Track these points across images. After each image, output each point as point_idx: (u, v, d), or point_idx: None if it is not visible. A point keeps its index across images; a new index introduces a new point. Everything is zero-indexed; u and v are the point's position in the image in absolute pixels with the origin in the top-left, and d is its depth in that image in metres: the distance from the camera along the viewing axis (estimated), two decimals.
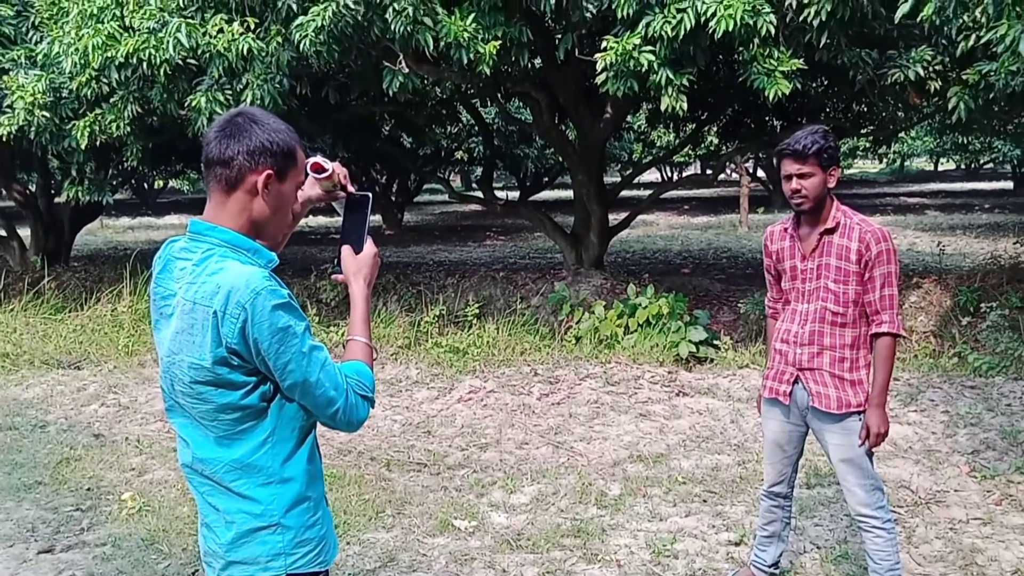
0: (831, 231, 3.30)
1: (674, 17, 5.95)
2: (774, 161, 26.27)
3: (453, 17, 6.32)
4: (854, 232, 3.26)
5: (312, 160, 2.10)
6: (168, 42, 6.70)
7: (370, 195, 2.21)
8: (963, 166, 35.78)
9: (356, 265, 2.14)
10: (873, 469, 3.38)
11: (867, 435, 3.27)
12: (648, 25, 6.04)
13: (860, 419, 3.31)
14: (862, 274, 3.25)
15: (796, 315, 3.42)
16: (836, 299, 3.29)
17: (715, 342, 7.62)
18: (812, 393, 3.37)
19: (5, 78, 8.05)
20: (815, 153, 3.22)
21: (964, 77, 6.28)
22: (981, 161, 30.18)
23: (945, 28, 6.08)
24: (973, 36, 5.49)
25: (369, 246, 2.16)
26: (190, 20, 6.77)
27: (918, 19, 5.35)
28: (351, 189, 2.20)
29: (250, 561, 1.95)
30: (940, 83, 6.53)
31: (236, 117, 1.93)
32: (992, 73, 5.92)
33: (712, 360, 7.44)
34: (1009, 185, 28.84)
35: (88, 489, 5.27)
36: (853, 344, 3.32)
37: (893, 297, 3.25)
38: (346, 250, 2.15)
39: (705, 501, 4.86)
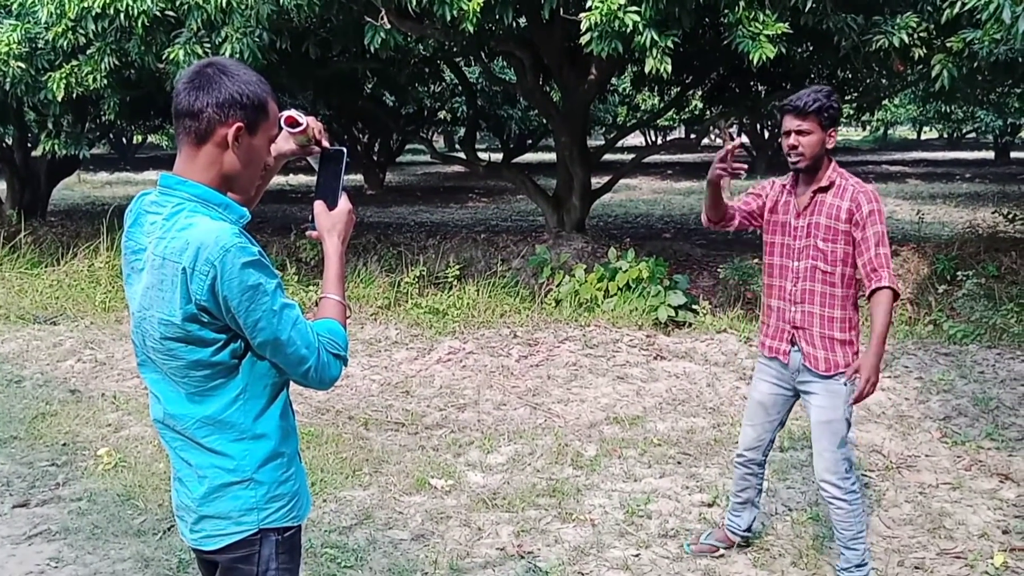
0: (825, 189, 3.32)
1: None
2: (757, 127, 26.29)
3: None
4: (847, 192, 3.28)
5: (286, 114, 2.06)
6: None
7: (344, 150, 2.17)
8: (946, 135, 35.84)
9: (330, 221, 2.10)
10: (847, 439, 3.40)
11: (853, 373, 3.25)
12: None
13: (846, 383, 3.32)
14: (851, 233, 3.26)
15: (788, 272, 3.43)
16: (825, 257, 3.30)
17: (694, 307, 7.65)
18: (805, 354, 3.39)
19: None
20: (816, 111, 3.22)
21: (948, 45, 6.27)
22: (963, 131, 30.25)
23: None
24: (958, 3, 5.48)
25: (344, 202, 2.12)
26: None
27: None
28: (325, 144, 2.16)
29: (222, 515, 1.95)
30: (924, 50, 6.52)
31: (206, 68, 1.88)
32: (976, 41, 5.91)
33: (691, 324, 7.47)
34: (990, 155, 28.98)
35: (64, 444, 5.25)
36: (843, 304, 3.33)
37: (887, 256, 3.24)
38: (319, 206, 2.11)
39: (679, 463, 4.91)
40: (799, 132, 3.26)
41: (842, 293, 3.33)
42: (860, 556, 3.44)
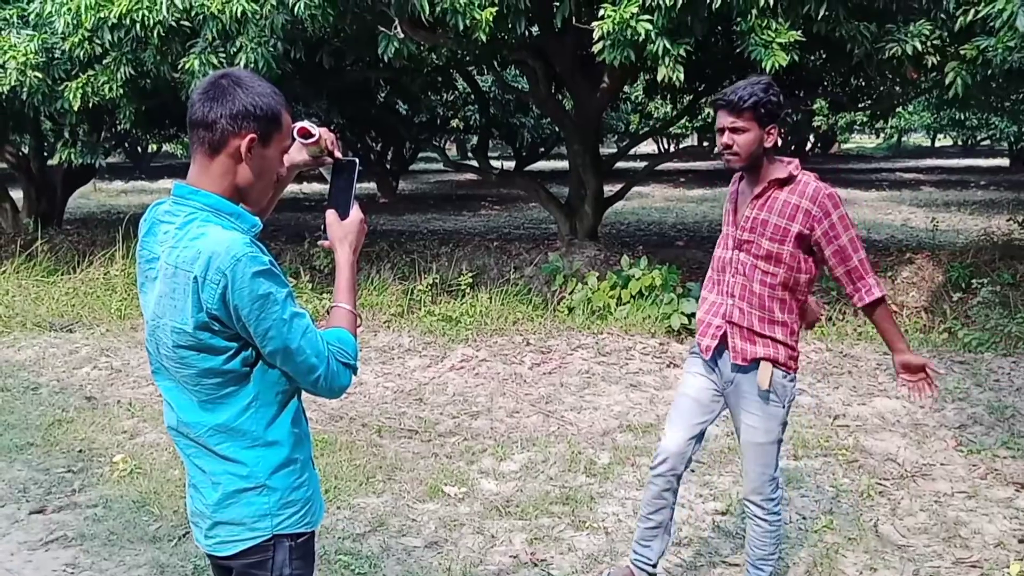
0: (782, 183, 3.02)
1: None
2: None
3: None
4: (807, 191, 2.98)
5: (299, 125, 2.08)
6: (162, 3, 6.64)
7: (357, 160, 2.19)
8: (960, 142, 35.71)
9: (342, 231, 2.12)
10: (777, 460, 3.22)
11: (910, 372, 3.09)
12: None
13: (779, 405, 3.12)
14: (803, 236, 2.97)
15: (728, 264, 3.16)
16: (768, 257, 3.03)
17: None
18: (736, 350, 3.13)
19: None
20: (751, 107, 2.92)
21: (962, 52, 6.25)
22: (978, 138, 30.11)
23: (943, 2, 6.06)
24: (971, 11, 5.47)
25: (355, 212, 2.14)
26: None
27: None
28: (338, 155, 2.18)
29: (236, 522, 1.97)
30: (938, 58, 6.50)
31: (220, 79, 1.90)
32: (990, 48, 5.89)
33: None
34: (1005, 162, 28.80)
35: (80, 451, 5.29)
36: (782, 308, 3.07)
37: (867, 260, 3.00)
38: (331, 215, 2.13)
39: (692, 471, 4.90)
40: (733, 130, 2.96)
41: (781, 296, 3.06)
42: None
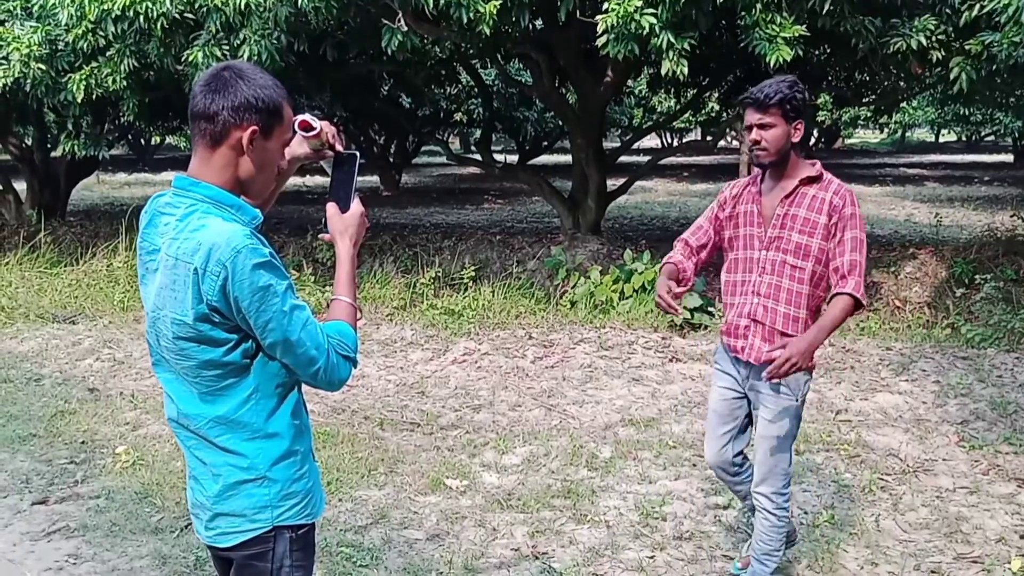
0: (812, 180, 3.13)
1: None
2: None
3: None
4: (831, 185, 3.12)
5: (300, 118, 2.07)
6: None
7: (357, 153, 2.18)
8: (964, 138, 35.59)
9: (342, 224, 2.12)
10: (790, 455, 3.28)
11: (777, 350, 2.96)
12: None
13: (791, 398, 3.19)
14: (830, 230, 3.08)
15: (755, 264, 3.21)
16: (797, 251, 3.11)
17: (710, 309, 7.64)
18: (752, 347, 3.21)
19: (0, 29, 7.97)
20: (777, 103, 3.03)
21: (967, 47, 6.23)
22: (982, 133, 30.01)
23: None
24: (977, 5, 5.45)
25: (356, 205, 2.13)
26: None
27: None
28: (339, 148, 2.18)
29: (237, 513, 1.97)
30: (942, 53, 6.48)
31: (223, 71, 1.90)
32: (995, 44, 5.88)
33: (706, 327, 7.46)
34: (1009, 158, 28.73)
35: (82, 442, 5.30)
36: (808, 304, 3.14)
37: (861, 264, 3.05)
38: (332, 208, 2.13)
39: (695, 465, 4.90)
40: (761, 126, 3.07)
41: (808, 291, 3.12)
42: (767, 572, 3.37)
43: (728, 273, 3.34)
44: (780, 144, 3.08)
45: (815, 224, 3.09)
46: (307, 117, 2.09)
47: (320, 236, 2.19)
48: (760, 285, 3.20)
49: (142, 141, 30.20)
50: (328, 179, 2.19)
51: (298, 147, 2.16)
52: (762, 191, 3.24)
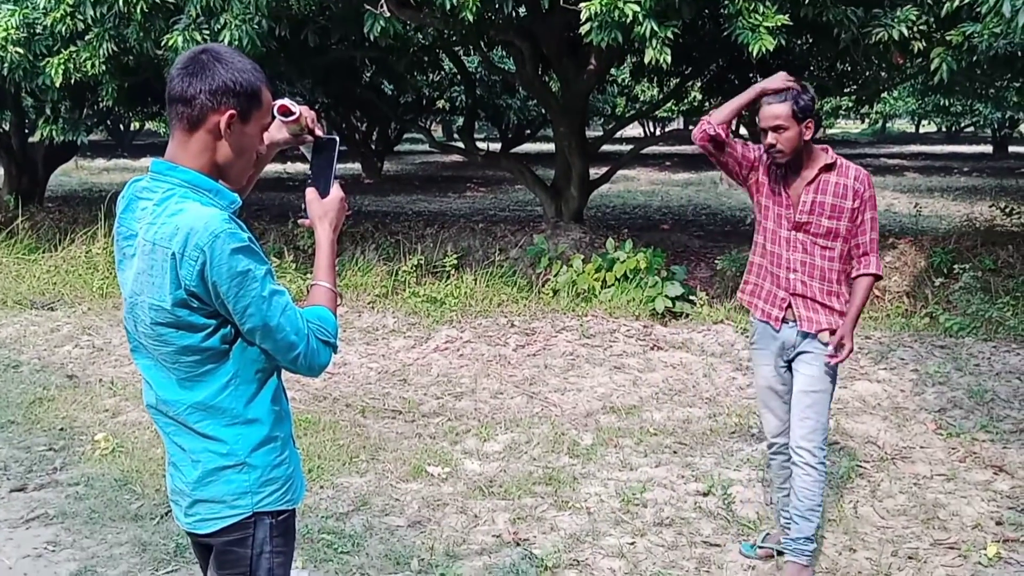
0: (830, 167, 3.39)
1: None
2: (756, 118, 26.26)
3: None
4: (849, 171, 3.39)
5: (279, 103, 2.06)
6: None
7: (337, 139, 2.17)
8: (944, 128, 35.85)
9: (322, 209, 2.10)
10: (828, 410, 3.51)
11: (838, 345, 3.37)
12: None
13: (829, 365, 3.45)
14: (855, 212, 3.36)
15: (786, 242, 3.47)
16: (828, 234, 3.39)
17: (691, 298, 7.66)
18: (802, 318, 3.45)
19: None
20: (788, 107, 3.30)
21: (948, 38, 6.26)
22: (962, 124, 30.22)
23: None
24: None
25: (336, 190, 2.12)
26: None
27: None
28: (318, 132, 2.17)
29: (216, 499, 1.96)
30: (924, 43, 6.51)
31: (200, 54, 1.88)
32: (976, 35, 5.91)
33: (687, 315, 7.49)
34: (988, 149, 28.97)
35: (61, 429, 5.26)
36: (839, 278, 3.43)
37: (877, 241, 3.43)
38: (311, 193, 2.11)
39: (675, 452, 4.93)
40: (775, 129, 3.32)
41: (839, 267, 3.43)
42: (812, 529, 3.47)
43: (761, 239, 3.57)
44: (794, 144, 3.34)
45: (842, 209, 3.37)
46: (286, 102, 2.07)
47: (300, 221, 2.18)
48: (794, 262, 3.46)
49: (121, 127, 29.93)
50: (308, 165, 2.18)
51: (277, 132, 2.14)
52: (786, 174, 3.45)
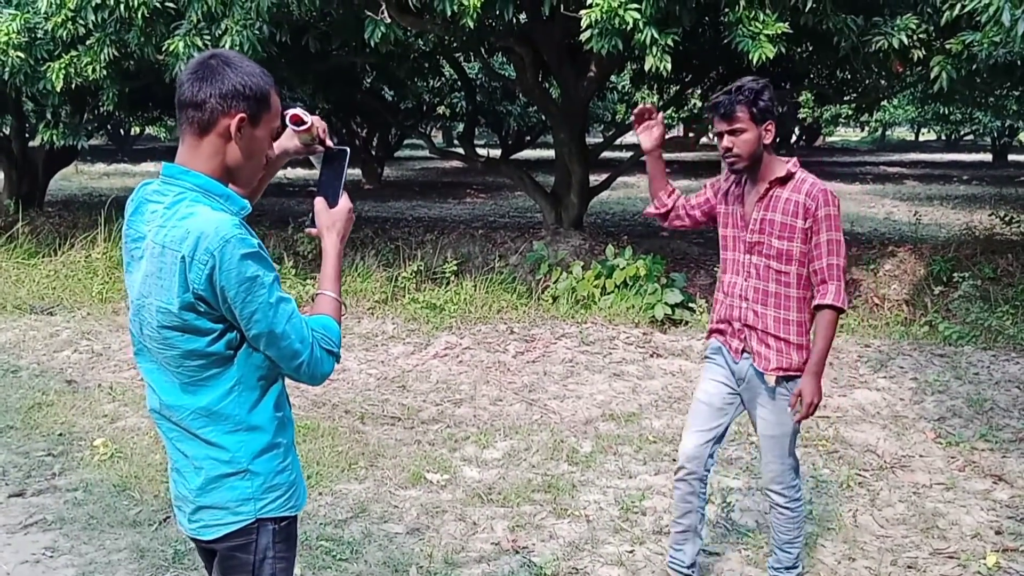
0: (783, 180, 3.07)
1: None
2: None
3: None
4: (803, 186, 3.04)
5: (291, 112, 2.08)
6: None
7: (347, 150, 2.20)
8: (944, 137, 35.88)
9: (330, 219, 2.12)
10: (795, 449, 3.28)
11: (797, 402, 3.08)
12: None
13: (788, 399, 3.15)
14: (807, 233, 3.03)
15: (740, 267, 3.20)
16: (779, 256, 3.08)
17: (690, 305, 7.67)
18: (753, 352, 3.18)
19: None
20: (745, 106, 2.99)
21: (948, 47, 6.28)
22: (962, 132, 30.27)
23: None
24: (958, 5, 5.49)
25: (344, 201, 2.14)
26: None
27: None
28: (329, 143, 2.19)
29: (219, 506, 1.96)
30: (923, 52, 6.53)
31: (210, 59, 1.90)
32: (975, 43, 5.92)
33: (687, 323, 7.49)
34: (988, 157, 28.99)
35: (60, 435, 5.26)
36: (799, 306, 3.11)
37: (839, 267, 3.04)
38: (320, 203, 2.13)
39: (675, 460, 4.91)
40: (731, 132, 3.02)
41: (797, 295, 3.10)
42: (793, 560, 3.39)
43: (722, 272, 3.33)
44: (752, 148, 3.03)
45: (792, 228, 3.05)
46: (298, 111, 2.09)
47: (306, 230, 2.19)
48: (747, 290, 3.19)
49: (121, 131, 29.94)
50: (312, 172, 2.20)
51: (288, 141, 2.17)
52: (744, 192, 3.21)
